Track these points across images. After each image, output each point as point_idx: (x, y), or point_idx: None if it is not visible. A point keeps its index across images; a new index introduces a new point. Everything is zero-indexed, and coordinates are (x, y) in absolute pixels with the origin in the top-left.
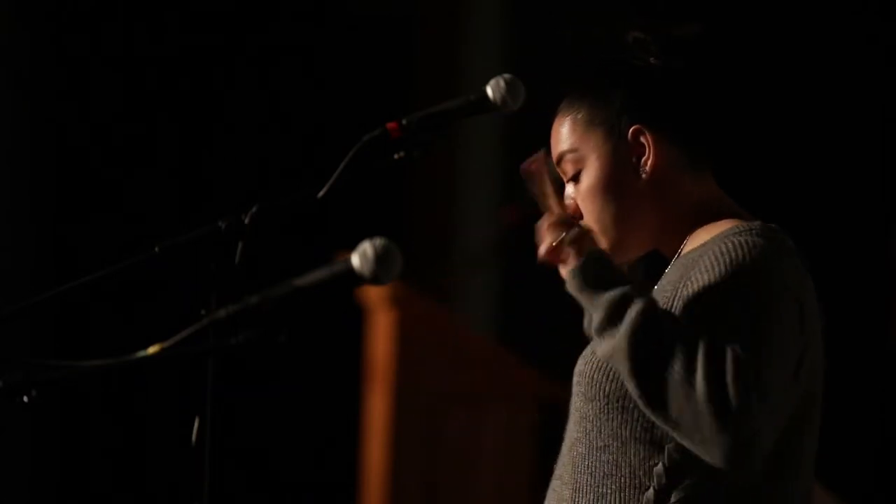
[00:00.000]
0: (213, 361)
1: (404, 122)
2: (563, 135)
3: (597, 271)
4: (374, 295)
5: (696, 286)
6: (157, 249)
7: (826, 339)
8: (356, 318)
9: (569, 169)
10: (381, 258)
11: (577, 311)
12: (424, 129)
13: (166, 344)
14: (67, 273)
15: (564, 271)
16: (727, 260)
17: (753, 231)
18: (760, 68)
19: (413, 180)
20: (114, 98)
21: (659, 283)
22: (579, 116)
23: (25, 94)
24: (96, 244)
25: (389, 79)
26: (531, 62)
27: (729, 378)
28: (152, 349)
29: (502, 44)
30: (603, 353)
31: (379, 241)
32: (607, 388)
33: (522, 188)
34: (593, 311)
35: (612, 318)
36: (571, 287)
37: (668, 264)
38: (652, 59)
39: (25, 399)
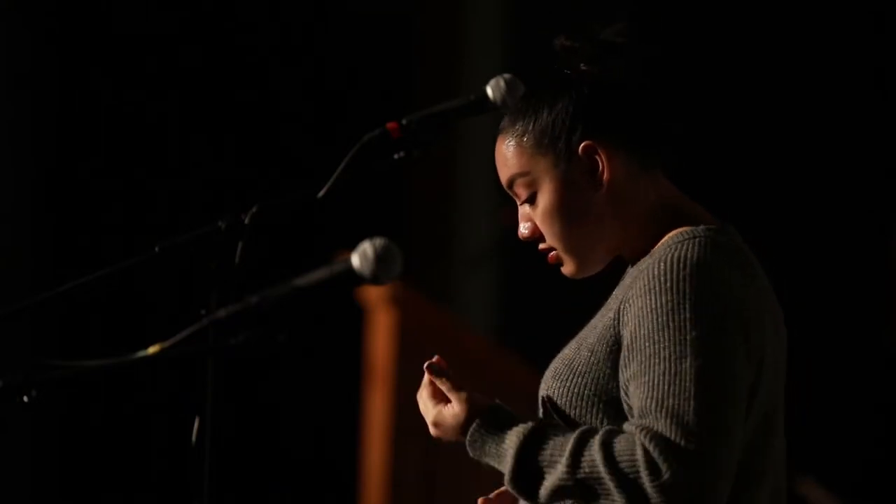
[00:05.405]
0: (213, 361)
1: (404, 122)
2: (511, 158)
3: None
4: (374, 295)
5: (632, 330)
6: (157, 249)
7: (821, 337)
8: (356, 318)
9: (522, 192)
10: (381, 258)
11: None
12: (424, 129)
13: (166, 344)
14: (67, 273)
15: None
16: (659, 287)
17: (697, 240)
18: (758, 68)
19: (413, 180)
20: (114, 97)
21: (617, 288)
22: (525, 139)
23: (25, 94)
24: (97, 244)
25: (389, 78)
26: (531, 62)
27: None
28: (152, 349)
29: (502, 44)
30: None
31: (379, 241)
32: None
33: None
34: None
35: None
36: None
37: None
38: (582, 66)
39: (25, 399)
